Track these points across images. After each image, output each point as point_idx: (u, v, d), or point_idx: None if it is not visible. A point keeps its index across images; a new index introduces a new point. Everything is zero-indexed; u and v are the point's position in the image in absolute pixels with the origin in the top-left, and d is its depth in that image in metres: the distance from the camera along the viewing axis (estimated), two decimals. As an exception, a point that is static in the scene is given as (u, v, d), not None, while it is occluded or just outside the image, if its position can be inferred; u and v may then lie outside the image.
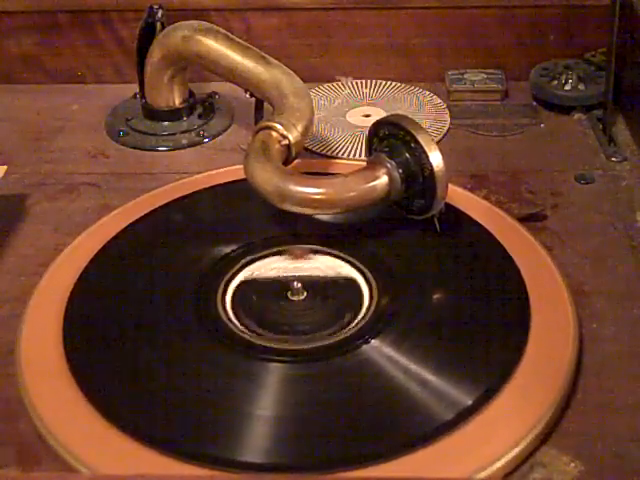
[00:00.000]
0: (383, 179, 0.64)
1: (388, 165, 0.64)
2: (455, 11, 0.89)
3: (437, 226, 0.65)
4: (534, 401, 0.53)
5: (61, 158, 0.81)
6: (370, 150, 0.68)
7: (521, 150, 0.80)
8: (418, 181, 0.63)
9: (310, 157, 0.79)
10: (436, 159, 0.62)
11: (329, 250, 0.66)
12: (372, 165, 0.65)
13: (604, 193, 0.73)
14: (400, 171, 0.64)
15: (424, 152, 0.63)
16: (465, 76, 0.89)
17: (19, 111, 0.89)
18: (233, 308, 0.61)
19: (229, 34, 0.77)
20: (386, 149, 0.65)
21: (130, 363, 0.57)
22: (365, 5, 0.89)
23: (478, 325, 0.59)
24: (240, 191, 0.68)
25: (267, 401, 0.54)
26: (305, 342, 0.59)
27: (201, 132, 0.83)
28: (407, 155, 0.63)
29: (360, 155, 0.79)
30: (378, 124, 0.66)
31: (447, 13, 0.89)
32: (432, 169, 0.62)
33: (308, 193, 0.62)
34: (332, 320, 0.60)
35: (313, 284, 0.63)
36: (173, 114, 0.84)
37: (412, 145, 0.63)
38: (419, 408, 0.53)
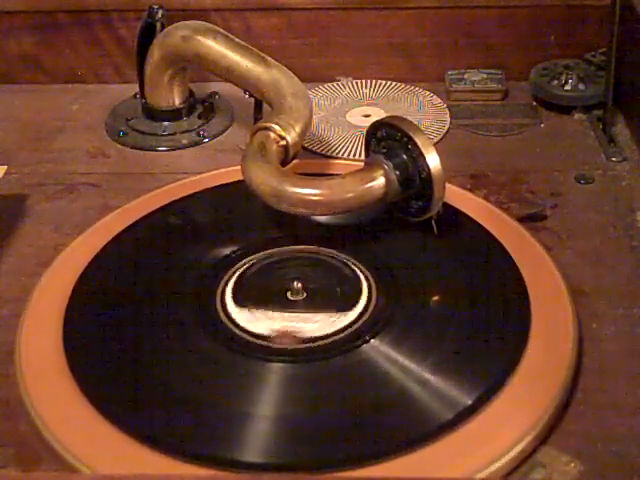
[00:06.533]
0: (380, 180, 0.64)
1: (385, 167, 0.64)
2: (455, 11, 0.89)
3: (435, 228, 0.65)
4: (534, 401, 0.53)
5: (61, 158, 0.81)
6: (368, 151, 0.68)
7: (521, 150, 0.80)
8: (415, 183, 0.63)
9: (310, 157, 0.79)
10: (433, 161, 0.62)
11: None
12: (369, 166, 0.65)
13: (604, 193, 0.73)
14: (397, 173, 0.64)
15: (421, 154, 0.62)
16: (465, 76, 0.89)
17: (19, 111, 0.89)
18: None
19: (229, 34, 0.77)
20: (384, 150, 0.65)
21: (130, 363, 0.57)
22: (365, 5, 0.89)
23: (478, 325, 0.59)
24: (240, 191, 0.68)
25: (267, 401, 0.54)
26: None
27: (201, 132, 0.83)
28: (404, 157, 0.63)
29: (360, 155, 0.79)
30: (376, 125, 0.66)
31: (447, 13, 0.89)
32: (429, 171, 0.62)
33: (305, 194, 0.62)
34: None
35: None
36: (173, 114, 0.84)
37: (409, 147, 0.63)
38: (419, 408, 0.53)
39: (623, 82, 0.82)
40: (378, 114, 0.85)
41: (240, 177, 0.66)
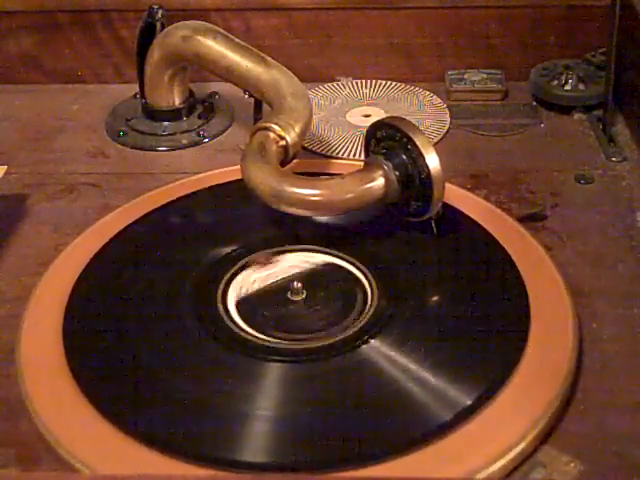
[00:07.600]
0: (379, 181, 0.64)
1: (385, 167, 0.64)
2: (455, 11, 0.89)
3: (434, 229, 0.65)
4: (534, 401, 0.53)
5: (61, 158, 0.81)
6: (367, 152, 0.68)
7: (521, 150, 0.80)
8: (415, 183, 0.63)
9: (310, 157, 0.79)
10: (433, 161, 0.62)
11: (329, 250, 0.66)
12: (369, 167, 0.65)
13: (604, 193, 0.73)
14: (397, 173, 0.63)
15: (421, 154, 0.62)
16: (465, 76, 0.89)
17: (19, 111, 0.89)
18: (233, 307, 0.61)
19: (229, 34, 0.77)
20: (383, 151, 0.65)
21: (130, 363, 0.57)
22: (365, 5, 0.89)
23: (478, 325, 0.59)
24: (240, 191, 0.68)
25: (267, 401, 0.54)
26: (305, 342, 0.59)
27: (201, 132, 0.83)
28: (404, 157, 0.63)
29: (360, 155, 0.79)
30: (375, 126, 0.66)
31: (447, 13, 0.89)
32: (429, 171, 0.62)
33: (304, 194, 0.62)
34: (332, 320, 0.60)
35: (313, 284, 0.63)
36: (173, 114, 0.84)
37: (409, 147, 0.63)
38: (419, 408, 0.53)
39: (623, 82, 0.82)
40: (378, 114, 0.85)
41: (240, 177, 0.66)
